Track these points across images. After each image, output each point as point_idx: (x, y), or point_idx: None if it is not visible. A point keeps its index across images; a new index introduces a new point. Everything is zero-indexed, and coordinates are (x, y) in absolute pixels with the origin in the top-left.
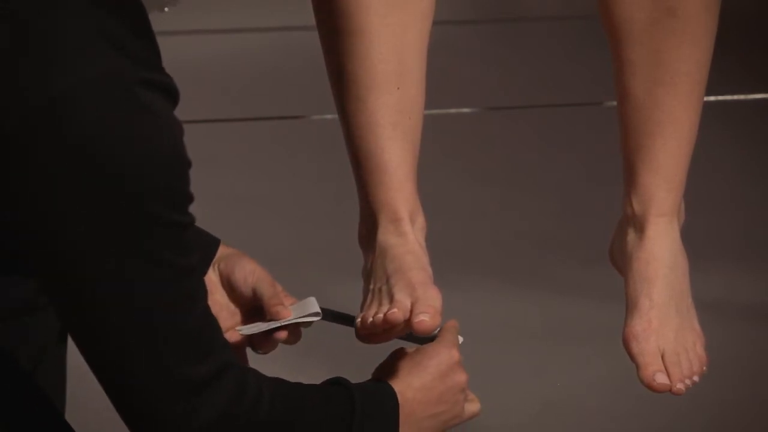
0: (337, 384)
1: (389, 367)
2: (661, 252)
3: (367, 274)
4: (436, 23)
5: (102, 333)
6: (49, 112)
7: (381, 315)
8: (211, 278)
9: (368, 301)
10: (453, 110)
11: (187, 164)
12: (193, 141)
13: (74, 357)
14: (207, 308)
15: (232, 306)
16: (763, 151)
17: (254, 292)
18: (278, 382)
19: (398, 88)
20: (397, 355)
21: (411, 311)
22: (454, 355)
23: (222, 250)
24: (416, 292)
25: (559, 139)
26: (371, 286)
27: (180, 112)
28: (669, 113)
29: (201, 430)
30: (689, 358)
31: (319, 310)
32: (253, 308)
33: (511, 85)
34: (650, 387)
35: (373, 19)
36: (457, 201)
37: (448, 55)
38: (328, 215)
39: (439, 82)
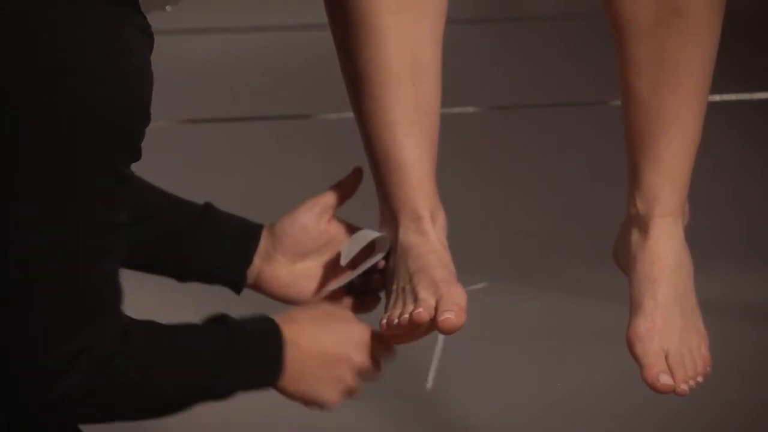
0: (216, 321)
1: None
2: (665, 252)
3: (390, 274)
4: None
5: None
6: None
7: (407, 315)
8: (280, 274)
9: (392, 301)
10: (457, 109)
11: (145, 117)
12: (197, 140)
13: None
14: (115, 271)
15: (327, 266)
16: (765, 151)
17: (321, 223)
18: (150, 329)
19: (413, 85)
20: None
21: (436, 310)
22: (365, 331)
23: (264, 243)
24: (440, 291)
25: (563, 138)
26: (394, 286)
27: (185, 112)
28: (674, 113)
29: (62, 394)
30: (693, 359)
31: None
32: (337, 237)
33: (514, 85)
34: (654, 387)
35: (385, 15)
36: (461, 200)
37: (452, 55)
38: None
39: (444, 81)
